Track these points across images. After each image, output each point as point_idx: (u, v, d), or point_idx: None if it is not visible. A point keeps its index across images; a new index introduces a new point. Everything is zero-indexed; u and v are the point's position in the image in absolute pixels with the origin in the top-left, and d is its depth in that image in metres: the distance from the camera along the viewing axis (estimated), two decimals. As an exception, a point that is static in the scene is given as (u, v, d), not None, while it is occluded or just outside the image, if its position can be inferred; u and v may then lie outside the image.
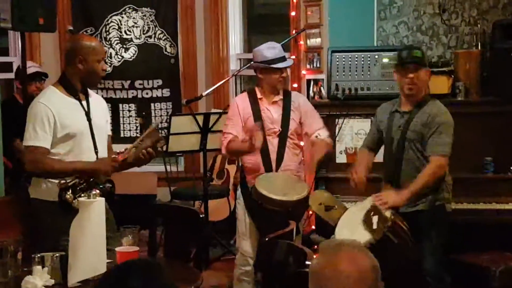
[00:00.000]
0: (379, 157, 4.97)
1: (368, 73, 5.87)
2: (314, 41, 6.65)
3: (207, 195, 6.44)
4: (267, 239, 3.92)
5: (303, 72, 6.64)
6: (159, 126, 7.68)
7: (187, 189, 7.11)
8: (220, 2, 7.65)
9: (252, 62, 5.36)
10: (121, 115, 7.86)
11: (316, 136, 5.11)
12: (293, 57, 6.57)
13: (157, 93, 7.91)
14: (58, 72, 6.76)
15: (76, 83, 4.16)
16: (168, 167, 7.10)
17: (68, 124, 4.05)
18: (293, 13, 6.81)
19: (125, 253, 3.61)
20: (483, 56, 5.88)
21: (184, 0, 7.82)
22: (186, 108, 6.62)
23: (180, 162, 7.92)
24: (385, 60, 5.81)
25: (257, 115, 5.13)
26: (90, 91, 4.28)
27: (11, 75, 7.35)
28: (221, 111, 6.57)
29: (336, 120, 5.82)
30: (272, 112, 5.17)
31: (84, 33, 7.64)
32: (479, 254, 5.09)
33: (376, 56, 5.85)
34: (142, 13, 7.85)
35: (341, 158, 5.84)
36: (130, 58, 7.90)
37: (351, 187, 4.81)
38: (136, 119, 7.89)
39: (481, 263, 4.97)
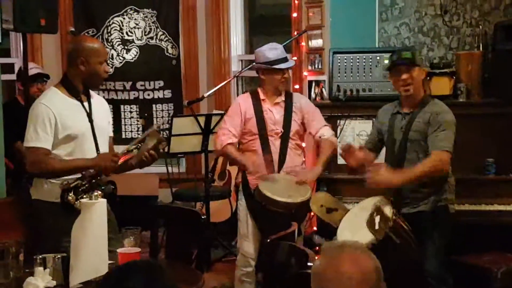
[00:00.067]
0: (381, 158, 4.96)
1: (370, 74, 5.87)
2: (316, 42, 6.65)
3: (209, 196, 6.45)
4: (269, 240, 3.92)
5: (305, 73, 6.64)
6: (161, 127, 7.69)
7: (189, 190, 7.11)
8: (221, 3, 7.66)
9: (254, 63, 5.37)
10: (122, 116, 7.87)
11: (320, 137, 5.13)
12: (295, 58, 6.56)
13: (159, 94, 7.91)
14: (60, 73, 6.78)
15: (78, 85, 4.15)
16: (169, 168, 7.10)
17: (70, 125, 4.04)
18: (294, 14, 6.81)
19: (126, 254, 3.61)
20: (485, 57, 5.88)
21: (185, 1, 7.82)
22: (188, 109, 6.62)
23: (181, 163, 7.93)
24: (387, 61, 5.78)
25: (259, 116, 5.13)
26: (92, 92, 4.28)
27: (13, 77, 7.35)
28: (222, 112, 6.56)
29: (338, 121, 5.82)
30: (274, 113, 5.17)
31: (86, 34, 7.64)
32: (481, 255, 5.09)
33: (378, 58, 5.85)
34: (143, 14, 7.85)
35: (342, 160, 5.82)
36: (132, 59, 7.90)
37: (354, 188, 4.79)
38: (137, 120, 7.89)
39: (482, 264, 4.96)
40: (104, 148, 4.19)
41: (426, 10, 6.20)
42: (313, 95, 6.31)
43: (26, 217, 4.51)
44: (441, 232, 4.58)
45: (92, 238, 3.47)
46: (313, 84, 6.40)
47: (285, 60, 5.16)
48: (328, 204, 4.81)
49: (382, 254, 2.33)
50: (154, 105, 7.94)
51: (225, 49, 7.72)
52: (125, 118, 7.91)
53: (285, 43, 5.93)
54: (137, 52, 7.90)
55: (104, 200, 3.58)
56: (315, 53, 6.65)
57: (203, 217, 4.48)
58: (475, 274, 4.99)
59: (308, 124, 5.21)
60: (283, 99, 5.21)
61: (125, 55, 7.88)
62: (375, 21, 6.30)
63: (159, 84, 7.90)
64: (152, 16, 7.86)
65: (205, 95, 6.61)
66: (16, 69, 7.55)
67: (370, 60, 5.87)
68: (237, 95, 7.83)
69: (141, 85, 7.90)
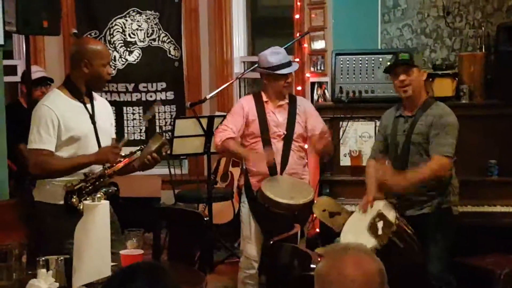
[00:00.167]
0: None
1: (372, 75, 5.87)
2: (318, 44, 6.65)
3: (211, 198, 6.44)
4: (271, 242, 3.92)
5: (307, 75, 6.64)
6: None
7: (191, 192, 7.11)
8: (224, 5, 7.65)
9: (256, 66, 5.37)
10: (125, 118, 7.87)
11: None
12: (297, 60, 6.57)
13: (161, 96, 7.91)
14: (62, 75, 6.77)
15: (81, 86, 4.16)
16: (172, 170, 7.10)
17: (73, 127, 4.05)
18: (297, 16, 6.81)
19: (129, 256, 3.61)
20: (487, 59, 5.88)
21: (188, 3, 7.82)
22: (190, 111, 6.63)
23: (184, 165, 7.92)
24: (389, 63, 5.80)
25: (262, 118, 5.14)
26: (94, 94, 4.29)
27: (15, 78, 7.36)
28: (225, 114, 6.56)
29: (340, 123, 5.82)
30: (277, 115, 5.17)
31: (88, 36, 7.64)
32: (484, 256, 5.08)
33: (380, 59, 5.85)
34: (146, 16, 7.85)
35: (345, 161, 5.83)
36: (134, 61, 7.90)
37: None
38: (140, 122, 7.89)
39: (485, 266, 4.95)
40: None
41: (429, 11, 6.20)
42: (315, 97, 6.31)
43: (29, 219, 4.51)
44: (445, 234, 4.58)
45: (95, 240, 3.47)
46: (316, 85, 6.40)
47: (288, 64, 5.15)
48: (331, 208, 4.82)
49: (386, 258, 2.33)
50: (156, 107, 7.92)
51: (227, 50, 7.71)
52: (127, 120, 7.91)
53: (287, 45, 5.94)
54: (139, 54, 7.89)
55: (107, 202, 3.58)
56: (317, 55, 6.64)
57: (205, 218, 4.47)
58: (478, 276, 4.98)
59: (310, 128, 5.21)
60: (287, 101, 5.22)
61: (127, 57, 7.88)
62: (378, 23, 6.30)
63: (161, 85, 7.89)
64: (154, 18, 7.85)
65: (208, 96, 6.61)
66: (19, 71, 7.56)
67: (373, 62, 5.87)
68: (240, 96, 7.83)
69: (144, 87, 7.89)
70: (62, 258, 3.47)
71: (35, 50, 7.52)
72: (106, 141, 4.21)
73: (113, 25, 7.85)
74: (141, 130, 7.93)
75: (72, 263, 3.44)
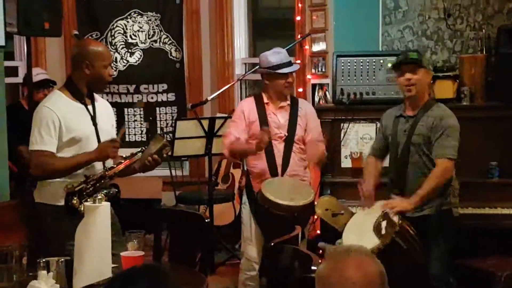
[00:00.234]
0: (385, 162, 4.97)
1: (373, 77, 5.87)
2: (319, 46, 6.65)
3: (212, 200, 6.45)
4: (272, 244, 3.92)
5: (308, 76, 6.64)
6: (163, 131, 7.70)
7: (192, 193, 7.11)
8: (225, 6, 7.65)
9: (257, 67, 5.37)
10: (126, 119, 7.86)
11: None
12: (298, 61, 6.56)
13: (162, 97, 7.91)
14: (64, 76, 6.78)
15: (82, 88, 4.16)
16: (173, 171, 7.10)
17: (74, 128, 4.05)
18: (298, 18, 6.80)
19: (130, 257, 3.61)
20: (488, 61, 5.89)
21: (189, 4, 7.82)
22: (191, 112, 6.63)
23: (185, 166, 7.92)
24: (390, 64, 5.81)
25: (263, 119, 5.14)
26: (96, 96, 4.29)
27: (16, 80, 7.36)
28: (226, 115, 6.58)
29: (341, 124, 5.83)
30: (278, 117, 5.17)
31: (90, 37, 7.64)
32: (484, 259, 5.08)
33: (381, 61, 5.86)
34: (147, 17, 7.85)
35: (346, 163, 5.84)
36: (135, 62, 7.90)
37: (361, 198, 4.78)
38: (141, 123, 7.89)
39: (486, 268, 4.95)
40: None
41: (430, 13, 6.21)
42: (316, 99, 6.31)
43: (30, 220, 4.51)
44: (446, 235, 4.59)
45: (96, 241, 3.47)
46: (317, 87, 6.40)
47: (288, 64, 5.16)
48: (333, 208, 4.82)
49: (388, 259, 2.33)
50: (157, 108, 7.93)
51: (228, 52, 7.71)
52: (128, 121, 7.91)
53: (288, 47, 5.94)
54: (140, 56, 7.90)
55: (108, 204, 3.58)
56: (318, 57, 6.64)
57: (206, 220, 4.47)
58: (479, 278, 4.98)
59: (308, 133, 5.20)
60: (289, 103, 5.22)
61: (128, 58, 7.88)
62: (379, 25, 6.30)
63: (162, 87, 7.89)
64: (156, 20, 7.86)
65: (209, 98, 6.61)
66: (20, 72, 7.57)
67: (374, 64, 5.87)
68: (241, 98, 7.83)
69: (145, 88, 7.89)
70: (62, 259, 3.47)
71: (36, 51, 7.52)
72: (107, 143, 4.21)
73: (114, 26, 7.85)
74: (142, 131, 7.93)
75: (72, 265, 3.45)
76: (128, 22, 7.87)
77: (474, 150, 5.47)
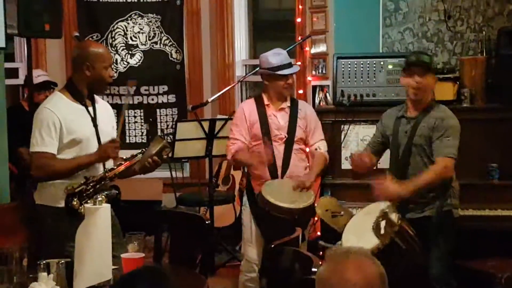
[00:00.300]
0: (386, 163, 4.96)
1: (374, 79, 5.87)
2: (320, 48, 6.65)
3: (213, 201, 6.45)
4: (272, 245, 3.92)
5: (309, 78, 6.64)
6: (164, 132, 7.70)
7: (193, 195, 7.11)
8: (225, 8, 7.66)
9: (258, 69, 5.37)
10: (126, 121, 7.86)
11: (316, 149, 5.17)
12: (299, 63, 6.57)
13: (163, 99, 7.91)
14: (64, 78, 6.79)
15: (83, 89, 4.16)
16: (173, 173, 7.10)
17: (74, 130, 4.05)
18: (298, 20, 6.81)
19: (130, 259, 3.61)
20: (488, 62, 5.89)
21: (189, 6, 7.83)
22: (192, 114, 6.63)
23: (185, 168, 7.93)
24: (391, 66, 5.82)
25: (263, 121, 5.14)
26: (96, 97, 4.29)
27: (17, 81, 7.36)
28: (226, 117, 6.58)
29: (342, 126, 5.83)
30: (278, 118, 5.17)
31: (90, 39, 7.65)
32: (485, 260, 5.08)
33: (382, 63, 5.86)
34: (148, 19, 7.86)
35: (346, 165, 5.83)
36: (136, 64, 7.90)
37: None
38: (141, 125, 7.89)
39: (486, 269, 4.95)
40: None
41: (430, 15, 6.21)
42: (317, 100, 6.31)
43: (30, 222, 4.51)
44: (446, 237, 4.58)
45: (96, 243, 3.47)
46: (317, 89, 6.40)
47: (289, 65, 5.16)
48: (334, 209, 4.82)
49: (387, 259, 2.34)
50: (158, 110, 7.94)
51: (229, 54, 7.72)
52: (129, 123, 7.91)
53: (289, 48, 5.94)
54: (141, 57, 7.90)
55: (108, 205, 3.58)
56: (319, 58, 6.65)
57: (207, 222, 4.47)
58: (479, 279, 4.99)
59: (308, 134, 5.21)
60: (289, 104, 5.22)
61: (129, 60, 7.89)
62: (379, 26, 6.30)
63: (163, 89, 7.90)
64: (156, 21, 7.86)
65: (209, 100, 6.61)
66: (20, 73, 7.57)
67: (374, 65, 5.87)
68: (241, 100, 7.83)
69: (145, 90, 7.89)
70: (63, 261, 3.47)
71: (37, 53, 7.53)
72: (107, 144, 4.21)
73: (114, 28, 7.86)
74: (142, 133, 7.93)
75: (73, 267, 3.44)
76: (128, 23, 7.87)
77: (475, 152, 5.48)
